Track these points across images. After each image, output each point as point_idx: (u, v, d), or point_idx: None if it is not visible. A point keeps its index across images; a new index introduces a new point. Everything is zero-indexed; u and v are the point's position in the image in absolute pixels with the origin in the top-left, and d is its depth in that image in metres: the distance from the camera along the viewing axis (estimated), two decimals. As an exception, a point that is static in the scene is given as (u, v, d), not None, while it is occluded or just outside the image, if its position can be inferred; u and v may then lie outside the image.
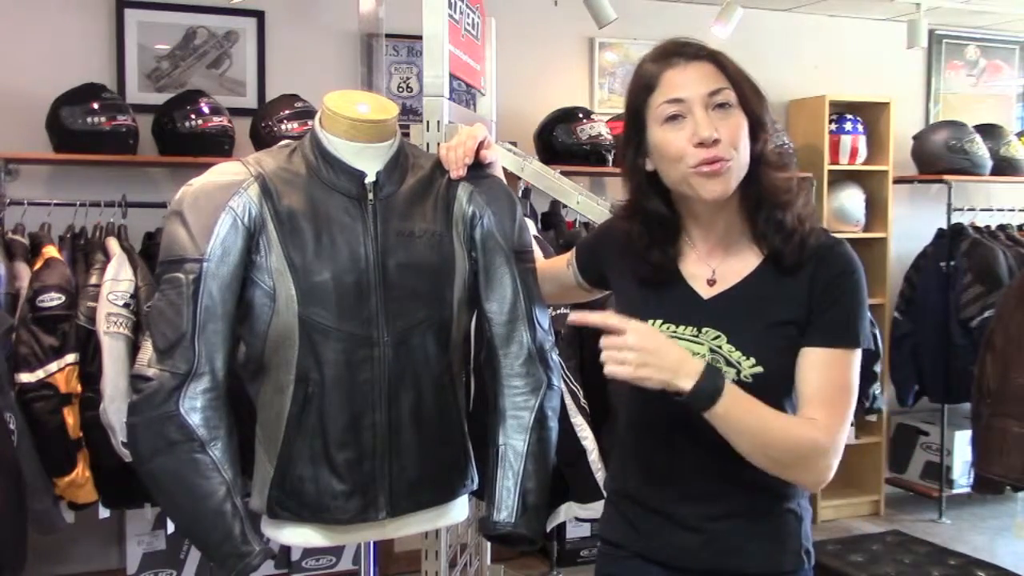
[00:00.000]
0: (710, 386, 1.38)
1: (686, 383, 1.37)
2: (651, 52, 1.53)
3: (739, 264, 1.54)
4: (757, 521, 1.54)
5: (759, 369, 1.46)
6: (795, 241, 1.48)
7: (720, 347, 1.48)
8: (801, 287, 1.48)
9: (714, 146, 1.44)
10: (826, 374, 1.46)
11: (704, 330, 1.50)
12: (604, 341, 1.40)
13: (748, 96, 1.48)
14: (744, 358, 1.46)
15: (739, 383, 1.45)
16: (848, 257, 1.51)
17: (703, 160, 1.44)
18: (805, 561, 1.57)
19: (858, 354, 1.48)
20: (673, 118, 1.47)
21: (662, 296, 1.57)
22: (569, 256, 1.87)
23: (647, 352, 1.38)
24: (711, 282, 1.54)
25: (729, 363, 1.47)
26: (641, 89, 1.51)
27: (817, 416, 1.44)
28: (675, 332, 1.51)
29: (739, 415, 1.40)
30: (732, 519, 1.54)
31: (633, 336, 1.39)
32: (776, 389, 1.48)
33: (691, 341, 1.50)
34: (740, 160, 1.47)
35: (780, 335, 1.48)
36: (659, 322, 1.53)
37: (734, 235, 1.55)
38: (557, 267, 1.90)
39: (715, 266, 1.55)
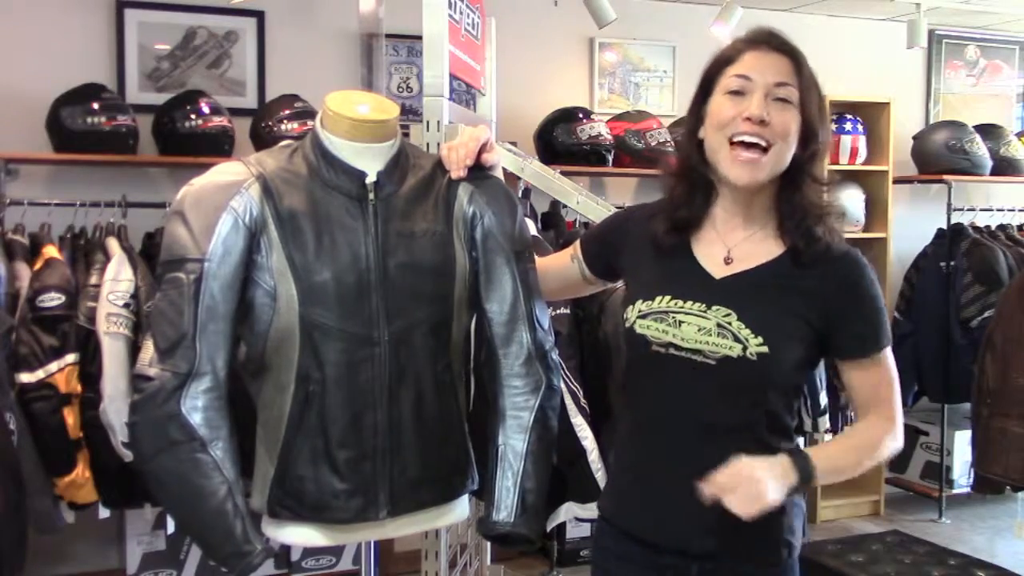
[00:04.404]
0: (805, 470, 1.49)
1: (793, 479, 1.47)
2: (745, 33, 1.62)
3: (758, 250, 1.59)
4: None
5: (765, 349, 1.50)
6: (819, 246, 1.56)
7: (729, 323, 1.52)
8: (815, 286, 1.55)
9: (760, 126, 1.51)
10: (873, 379, 1.60)
11: (714, 307, 1.54)
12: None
13: (810, 103, 1.54)
14: (752, 336, 1.51)
15: (742, 360, 1.50)
16: (861, 263, 1.59)
17: (743, 132, 1.51)
18: (785, 553, 1.59)
19: (889, 348, 1.61)
20: (736, 92, 1.54)
21: (673, 275, 1.62)
22: (572, 250, 1.88)
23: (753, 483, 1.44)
24: (727, 261, 1.59)
25: (737, 339, 1.51)
26: (722, 60, 1.59)
27: (880, 415, 1.59)
28: (682, 307, 1.56)
29: (834, 470, 1.54)
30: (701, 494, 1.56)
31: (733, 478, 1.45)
32: (776, 371, 1.53)
33: (699, 316, 1.55)
34: (781, 153, 1.53)
35: (789, 323, 1.53)
36: (667, 298, 1.58)
37: (758, 224, 1.61)
38: (559, 263, 1.91)
39: (732, 247, 1.60)
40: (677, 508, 1.57)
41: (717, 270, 1.60)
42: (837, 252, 1.58)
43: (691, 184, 1.64)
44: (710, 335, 1.53)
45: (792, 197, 1.57)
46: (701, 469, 1.50)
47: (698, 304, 1.55)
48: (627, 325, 1.63)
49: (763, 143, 1.51)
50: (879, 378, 1.60)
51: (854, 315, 1.56)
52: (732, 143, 1.53)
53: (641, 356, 1.61)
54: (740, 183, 1.54)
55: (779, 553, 1.59)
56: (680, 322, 1.56)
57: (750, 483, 1.43)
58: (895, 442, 1.61)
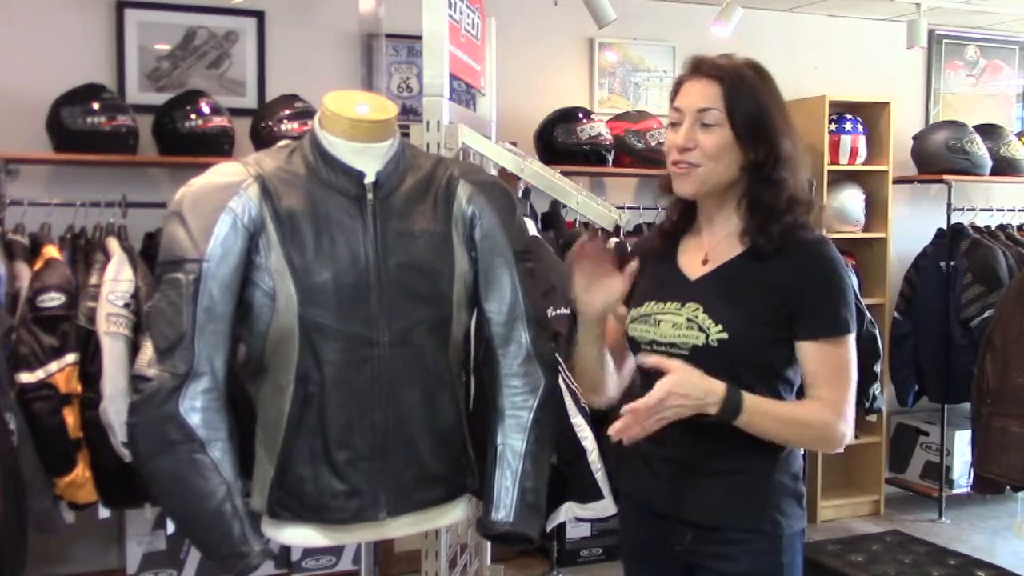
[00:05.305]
0: (733, 404, 1.59)
1: (714, 409, 1.59)
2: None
3: (726, 249, 1.74)
4: (719, 476, 1.70)
5: (724, 335, 1.65)
6: (776, 243, 1.68)
7: (696, 316, 1.69)
8: (779, 276, 1.68)
9: (685, 153, 1.70)
10: (824, 361, 1.66)
11: (687, 304, 1.71)
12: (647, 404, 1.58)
13: (738, 120, 1.68)
14: (713, 324, 1.66)
15: (706, 347, 1.66)
16: (824, 254, 1.69)
17: (673, 161, 1.73)
18: (768, 526, 1.69)
19: (851, 338, 1.68)
20: (674, 124, 1.73)
21: (659, 282, 1.79)
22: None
23: (679, 397, 1.58)
24: (704, 262, 1.76)
25: (701, 329, 1.67)
26: (672, 93, 1.78)
27: (823, 395, 1.66)
28: (662, 308, 1.74)
29: (760, 420, 1.62)
30: (697, 471, 1.71)
31: (661, 392, 1.58)
32: (737, 355, 1.66)
33: (674, 314, 1.72)
34: (713, 169, 1.70)
35: (751, 311, 1.67)
36: (652, 302, 1.76)
37: (729, 227, 1.75)
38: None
39: (708, 250, 1.76)
40: (676, 483, 1.73)
41: (695, 271, 1.76)
42: (803, 241, 1.69)
43: (674, 198, 1.81)
44: (681, 329, 1.70)
45: (749, 201, 1.71)
46: (689, 448, 1.70)
47: (675, 304, 1.72)
48: (625, 331, 1.81)
49: (692, 164, 1.69)
50: (833, 363, 1.66)
51: (816, 300, 1.67)
52: (672, 167, 1.74)
53: (636, 356, 1.78)
54: (682, 194, 1.75)
55: (765, 524, 1.69)
56: (659, 321, 1.73)
57: (669, 405, 1.57)
58: (835, 433, 1.66)
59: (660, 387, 1.57)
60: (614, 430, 1.59)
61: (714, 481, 1.71)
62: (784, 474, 1.72)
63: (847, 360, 1.67)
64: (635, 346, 1.78)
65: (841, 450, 1.71)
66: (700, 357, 1.65)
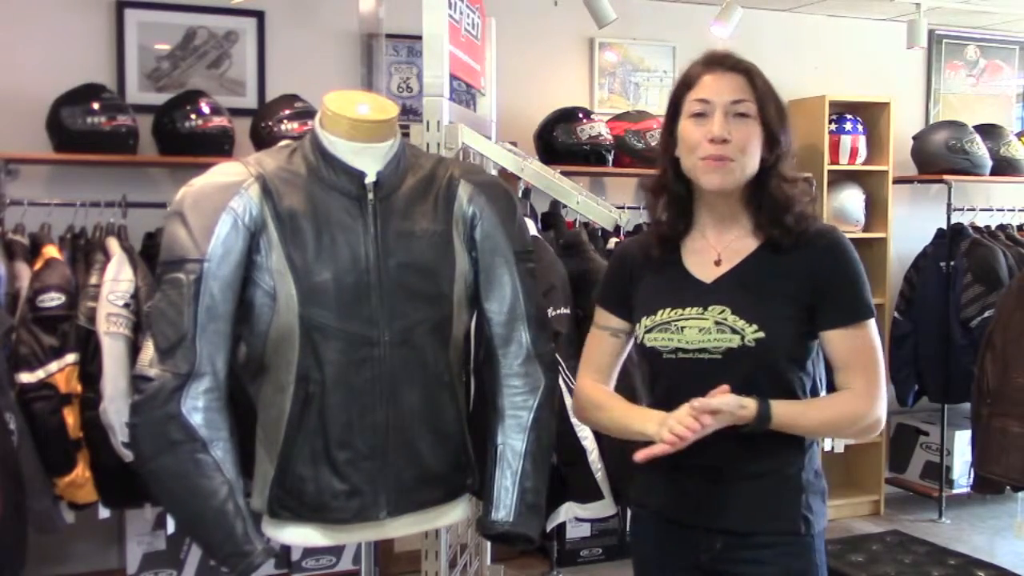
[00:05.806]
0: (761, 421, 1.60)
1: (747, 418, 1.60)
2: (700, 57, 1.75)
3: (741, 247, 1.72)
4: (750, 479, 1.68)
5: (761, 334, 1.63)
6: (792, 234, 1.69)
7: (725, 318, 1.65)
8: (799, 267, 1.68)
9: (723, 144, 1.65)
10: (852, 347, 1.67)
11: (710, 308, 1.67)
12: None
13: (769, 113, 1.68)
14: (747, 325, 1.64)
15: (742, 348, 1.63)
16: (841, 241, 1.70)
17: (710, 154, 1.65)
18: (802, 526, 1.68)
19: (873, 322, 1.69)
20: (698, 115, 1.68)
21: (669, 288, 1.74)
22: (596, 329, 1.85)
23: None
24: (717, 263, 1.72)
25: (734, 331, 1.64)
26: (682, 85, 1.73)
27: (854, 384, 1.67)
28: (682, 314, 1.69)
29: (792, 422, 1.63)
30: (726, 476, 1.68)
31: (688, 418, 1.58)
32: (775, 352, 1.65)
33: (697, 319, 1.68)
34: (746, 162, 1.67)
35: (779, 306, 1.66)
36: (668, 309, 1.71)
37: (739, 223, 1.73)
38: (600, 346, 1.85)
39: (720, 250, 1.73)
40: (704, 491, 1.69)
41: (709, 274, 1.72)
42: (815, 231, 1.70)
43: (670, 199, 1.77)
44: (710, 333, 1.66)
45: (762, 196, 1.70)
46: (717, 453, 1.64)
47: (696, 308, 1.68)
48: (638, 341, 1.76)
49: (728, 158, 1.65)
50: (860, 348, 1.67)
51: (838, 288, 1.67)
52: (702, 160, 1.67)
53: (656, 365, 1.74)
54: (713, 187, 1.68)
55: (797, 525, 1.68)
56: (682, 328, 1.68)
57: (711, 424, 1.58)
58: (870, 421, 1.67)
59: (691, 415, 1.57)
60: (641, 456, 1.60)
61: (745, 485, 1.68)
62: (810, 472, 1.71)
63: (873, 344, 1.68)
64: (656, 356, 1.72)
65: (872, 435, 1.72)
66: (735, 359, 1.63)
